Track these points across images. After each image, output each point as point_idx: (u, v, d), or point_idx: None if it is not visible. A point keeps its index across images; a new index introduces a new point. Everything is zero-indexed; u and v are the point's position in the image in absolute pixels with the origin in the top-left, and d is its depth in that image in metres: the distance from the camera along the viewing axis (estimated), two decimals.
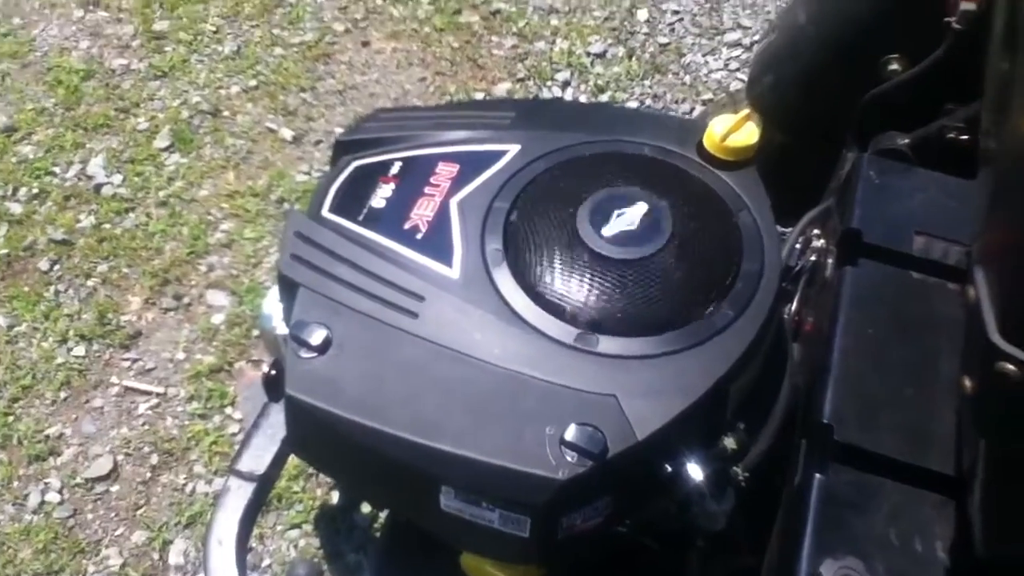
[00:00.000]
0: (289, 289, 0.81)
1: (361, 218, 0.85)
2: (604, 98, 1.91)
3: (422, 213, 0.84)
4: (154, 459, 1.47)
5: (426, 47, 2.03)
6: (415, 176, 0.87)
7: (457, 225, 0.82)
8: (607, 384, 0.71)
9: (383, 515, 1.38)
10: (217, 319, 1.62)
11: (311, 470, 1.41)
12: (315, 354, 0.75)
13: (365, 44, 2.05)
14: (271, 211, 1.77)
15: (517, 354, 0.73)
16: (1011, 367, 0.46)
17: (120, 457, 1.48)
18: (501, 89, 1.93)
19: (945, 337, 0.82)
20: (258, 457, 1.03)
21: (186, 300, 1.65)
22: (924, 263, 0.87)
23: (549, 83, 1.95)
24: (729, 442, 0.75)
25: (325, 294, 0.79)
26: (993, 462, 0.54)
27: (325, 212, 0.86)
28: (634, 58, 1.99)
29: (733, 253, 0.79)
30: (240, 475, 1.02)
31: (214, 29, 2.07)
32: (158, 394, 1.53)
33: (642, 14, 2.08)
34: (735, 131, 0.86)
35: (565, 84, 1.95)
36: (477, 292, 0.77)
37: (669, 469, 0.71)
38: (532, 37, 2.04)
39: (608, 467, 0.67)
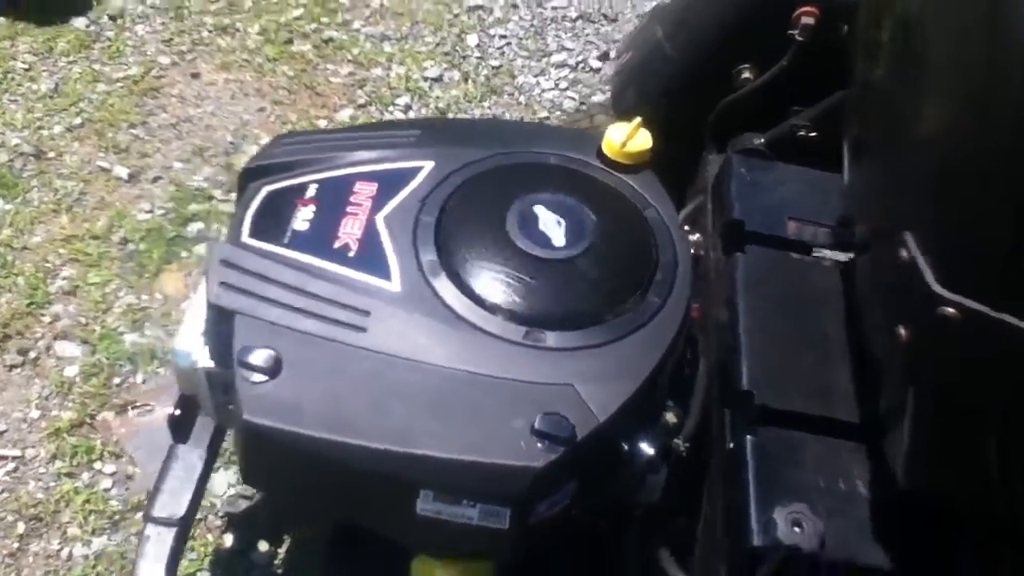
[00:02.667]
0: (222, 318, 0.80)
1: (286, 241, 0.85)
2: None
3: (350, 231, 0.85)
4: (20, 527, 1.35)
5: (260, 77, 2.00)
6: (334, 196, 0.89)
7: (388, 240, 0.84)
8: (562, 375, 0.76)
9: (282, 551, 1.35)
10: (70, 371, 1.52)
11: (198, 516, 1.35)
12: (266, 377, 0.75)
13: (195, 76, 1.99)
14: (115, 253, 1.68)
15: (471, 356, 0.77)
16: (952, 311, 0.54)
17: None
18: (344, 115, 1.94)
19: (829, 307, 0.94)
20: (174, 501, 1.00)
21: (32, 354, 1.53)
22: (800, 244, 0.98)
23: (391, 108, 1.98)
24: (670, 417, 0.82)
25: (264, 318, 0.79)
26: (924, 403, 0.63)
27: (245, 239, 0.86)
28: (470, 81, 2.06)
29: (650, 246, 0.87)
30: (157, 521, 0.98)
31: (26, 67, 1.94)
32: (15, 457, 1.41)
33: (472, 39, 2.15)
34: (632, 137, 0.93)
35: (407, 108, 1.98)
36: (422, 302, 0.80)
37: (626, 447, 0.77)
38: (368, 64, 2.06)
39: (577, 451, 0.72)
